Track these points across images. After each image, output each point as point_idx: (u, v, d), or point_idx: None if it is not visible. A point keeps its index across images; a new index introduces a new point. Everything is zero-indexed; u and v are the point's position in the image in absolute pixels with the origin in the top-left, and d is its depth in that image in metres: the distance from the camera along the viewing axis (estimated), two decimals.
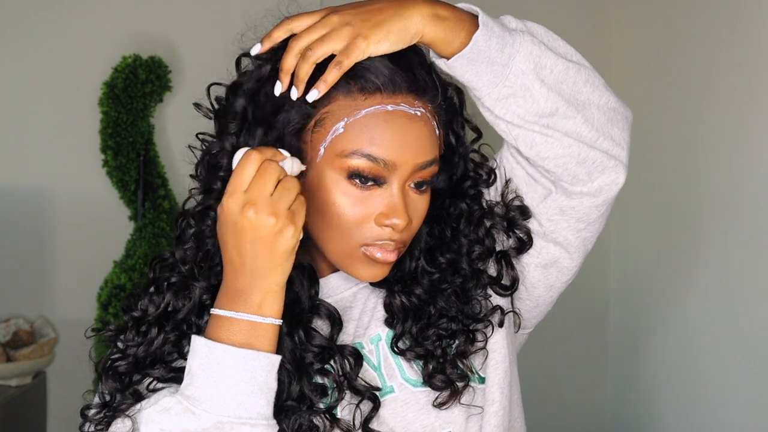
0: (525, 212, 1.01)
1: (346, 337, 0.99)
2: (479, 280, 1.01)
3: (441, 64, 0.93)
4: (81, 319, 2.59)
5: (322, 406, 0.94)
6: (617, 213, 2.82)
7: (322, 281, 1.01)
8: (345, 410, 0.95)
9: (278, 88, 0.92)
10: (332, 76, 0.90)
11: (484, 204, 1.02)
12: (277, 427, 0.90)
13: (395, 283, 1.00)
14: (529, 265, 1.03)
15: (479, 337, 0.99)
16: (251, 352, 0.87)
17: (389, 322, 1.00)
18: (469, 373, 0.98)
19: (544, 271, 1.03)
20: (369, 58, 0.91)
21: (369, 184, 0.92)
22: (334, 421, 0.94)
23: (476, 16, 0.92)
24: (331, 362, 0.96)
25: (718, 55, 2.30)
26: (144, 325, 0.97)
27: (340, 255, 0.95)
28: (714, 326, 2.30)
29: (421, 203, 0.96)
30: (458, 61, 0.91)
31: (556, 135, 0.94)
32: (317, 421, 0.93)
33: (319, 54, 0.90)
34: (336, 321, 0.98)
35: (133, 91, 2.56)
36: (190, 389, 0.88)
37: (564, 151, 0.95)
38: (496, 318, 1.01)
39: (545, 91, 0.92)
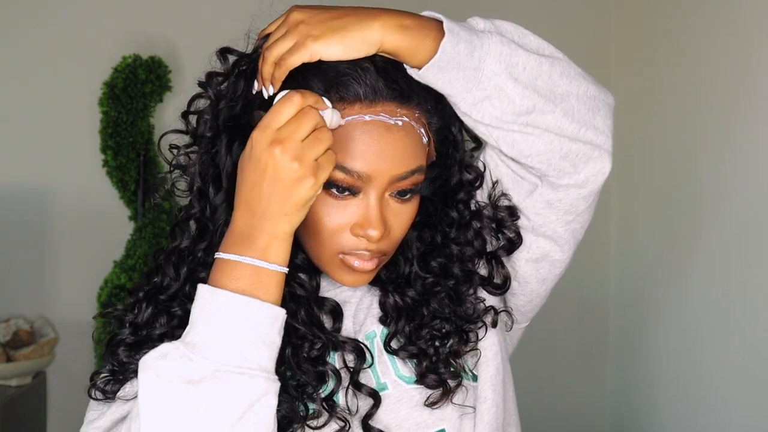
0: (513, 212, 1.00)
1: (345, 333, 0.99)
2: (471, 282, 1.01)
3: (413, 74, 0.91)
4: (81, 319, 2.59)
5: (322, 394, 0.94)
6: (617, 213, 2.83)
7: (322, 275, 1.01)
8: (341, 398, 0.95)
9: (254, 88, 0.93)
10: (278, 74, 0.89)
11: (473, 206, 1.02)
12: (278, 384, 0.86)
13: (389, 283, 1.01)
14: (520, 260, 1.02)
15: (472, 337, 1.00)
16: (254, 301, 0.84)
17: (383, 320, 1.00)
18: (462, 372, 0.98)
19: (536, 265, 1.03)
20: (354, 66, 0.90)
21: (345, 194, 0.91)
22: (332, 408, 0.93)
23: (441, 23, 0.90)
24: (334, 356, 0.96)
25: (716, 55, 2.30)
26: (140, 301, 0.97)
27: (322, 261, 0.96)
28: (714, 327, 2.30)
29: (404, 212, 0.95)
30: (429, 71, 0.89)
31: (537, 132, 0.93)
32: (315, 407, 0.93)
33: (275, 54, 0.89)
34: (338, 315, 0.98)
35: (133, 91, 2.56)
36: (190, 336, 0.84)
37: (546, 147, 0.94)
38: (489, 318, 1.01)
39: (520, 89, 0.91)
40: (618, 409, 2.85)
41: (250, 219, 0.85)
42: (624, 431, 2.80)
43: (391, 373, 0.98)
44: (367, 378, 0.97)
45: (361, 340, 0.99)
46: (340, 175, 0.90)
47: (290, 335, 0.93)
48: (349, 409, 0.95)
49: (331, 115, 0.87)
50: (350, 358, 0.96)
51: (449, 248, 1.01)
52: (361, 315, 1.01)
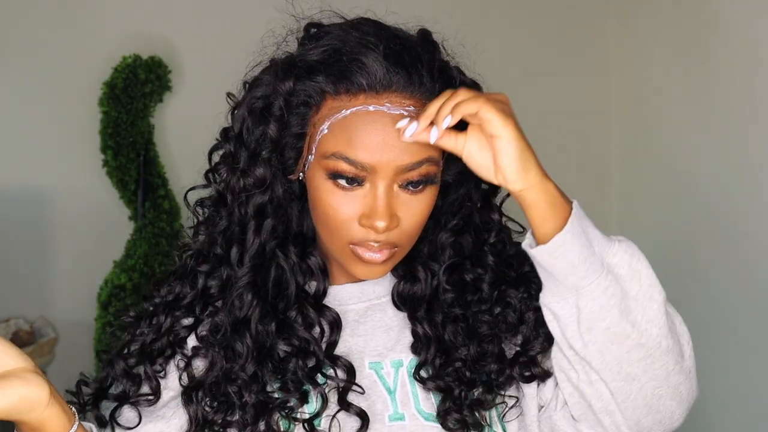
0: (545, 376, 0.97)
1: (364, 355, 0.98)
2: (505, 317, 0.99)
3: (526, 247, 0.89)
4: (81, 319, 2.59)
5: (306, 414, 0.92)
6: (617, 214, 2.82)
7: (337, 288, 1.00)
8: (324, 421, 0.93)
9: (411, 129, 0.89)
10: (452, 117, 0.88)
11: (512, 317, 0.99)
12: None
13: (418, 309, 0.99)
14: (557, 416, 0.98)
15: (505, 387, 0.97)
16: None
17: (415, 348, 0.98)
18: (484, 423, 0.95)
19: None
20: (359, 53, 0.89)
21: (353, 184, 0.91)
22: (312, 431, 0.92)
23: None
24: (327, 372, 0.95)
25: (719, 61, 2.30)
26: (153, 315, 0.98)
27: (335, 251, 0.95)
28: (714, 327, 2.29)
29: (416, 203, 0.92)
30: (566, 236, 0.87)
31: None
32: (287, 425, 0.92)
33: (457, 100, 0.88)
34: (337, 327, 0.97)
35: (133, 91, 2.56)
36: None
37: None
38: (520, 370, 0.97)
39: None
40: None
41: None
42: None
43: (410, 406, 0.96)
44: (384, 406, 0.95)
45: (383, 364, 0.97)
46: (345, 166, 0.89)
47: (289, 341, 0.94)
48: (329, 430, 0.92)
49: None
50: (341, 375, 0.94)
51: (484, 259, 0.99)
52: (391, 341, 0.99)
